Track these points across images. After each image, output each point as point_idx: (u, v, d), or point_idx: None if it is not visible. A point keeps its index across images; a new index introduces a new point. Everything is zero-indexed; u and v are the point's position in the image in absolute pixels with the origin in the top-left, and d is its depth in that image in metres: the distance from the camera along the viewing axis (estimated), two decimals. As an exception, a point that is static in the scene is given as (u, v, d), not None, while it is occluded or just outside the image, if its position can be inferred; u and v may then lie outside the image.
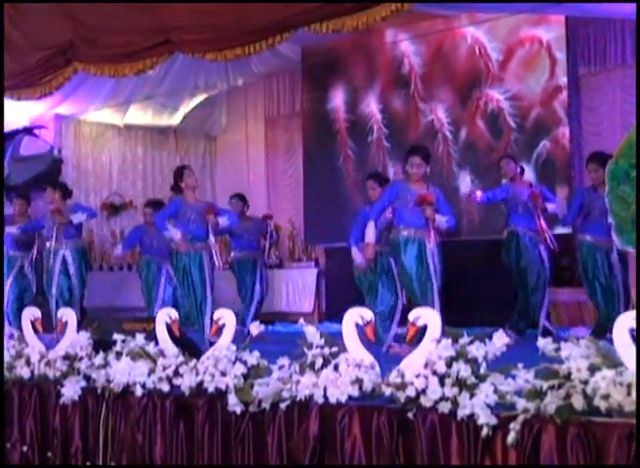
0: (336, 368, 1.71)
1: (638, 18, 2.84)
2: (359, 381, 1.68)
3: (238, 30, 3.33)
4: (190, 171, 3.72)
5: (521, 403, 1.46)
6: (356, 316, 1.78)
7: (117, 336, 2.12)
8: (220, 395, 1.84)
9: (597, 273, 3.29)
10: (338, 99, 5.48)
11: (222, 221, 3.66)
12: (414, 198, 3.06)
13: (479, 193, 3.70)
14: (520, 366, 1.53)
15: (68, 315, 2.32)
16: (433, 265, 3.02)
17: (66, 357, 2.22)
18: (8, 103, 4.32)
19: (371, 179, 3.55)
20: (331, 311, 4.92)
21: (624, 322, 1.42)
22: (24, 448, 2.22)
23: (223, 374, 1.85)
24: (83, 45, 3.77)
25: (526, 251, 3.58)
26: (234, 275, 4.38)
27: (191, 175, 3.67)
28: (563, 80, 4.48)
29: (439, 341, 1.62)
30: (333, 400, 1.67)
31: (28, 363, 2.29)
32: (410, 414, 1.59)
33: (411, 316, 1.70)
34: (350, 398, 1.68)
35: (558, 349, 1.48)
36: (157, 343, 2.08)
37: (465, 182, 4.86)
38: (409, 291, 3.13)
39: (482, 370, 1.58)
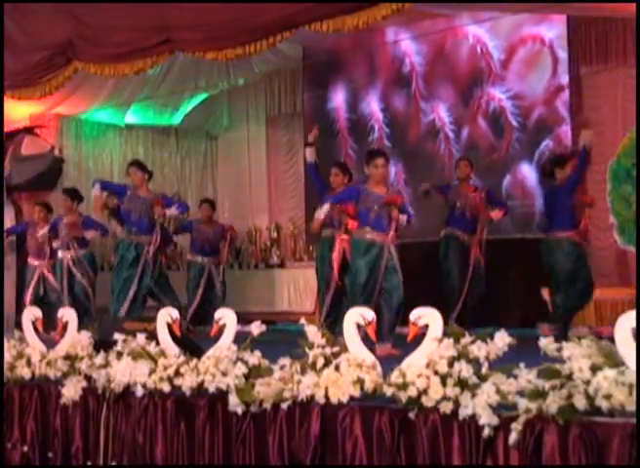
0: (337, 368, 1.70)
1: (638, 17, 2.82)
2: (360, 381, 1.68)
3: (239, 29, 3.31)
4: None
5: (523, 403, 1.46)
6: (357, 316, 1.77)
7: (118, 336, 2.12)
8: (221, 395, 1.84)
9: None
10: (339, 99, 5.45)
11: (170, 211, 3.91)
12: (380, 200, 3.12)
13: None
14: (522, 365, 1.52)
15: (69, 315, 2.32)
16: (386, 268, 3.08)
17: (67, 357, 2.21)
18: (8, 103, 4.31)
19: (336, 167, 3.80)
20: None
21: (626, 321, 1.41)
22: (25, 449, 2.22)
23: (224, 374, 1.84)
24: (83, 44, 3.74)
25: (452, 253, 3.75)
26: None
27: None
28: (565, 79, 4.44)
29: (440, 341, 1.61)
30: (334, 400, 1.67)
31: (29, 363, 2.29)
32: (411, 414, 1.59)
33: (412, 315, 1.69)
34: (352, 398, 1.67)
35: (560, 349, 1.47)
36: (158, 343, 2.07)
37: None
38: (352, 290, 3.19)
39: (484, 370, 1.57)
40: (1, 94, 4.03)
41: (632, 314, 1.42)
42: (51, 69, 3.86)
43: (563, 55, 4.45)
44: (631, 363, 1.39)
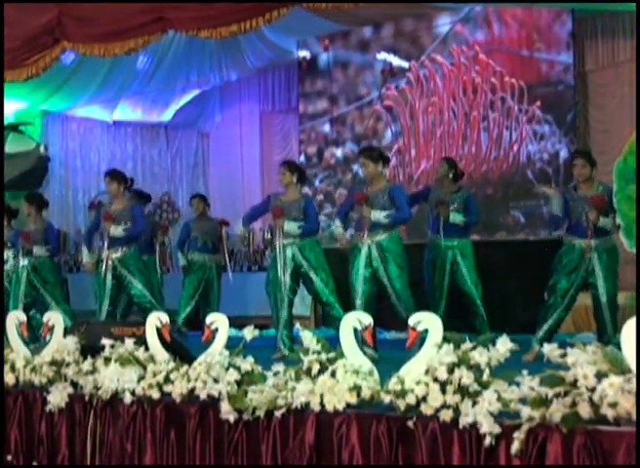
0: (333, 374, 1.66)
1: (638, 17, 2.79)
2: (357, 388, 1.63)
3: (233, 6, 3.13)
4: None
5: (525, 411, 1.42)
6: (354, 320, 1.72)
7: (105, 341, 2.06)
8: (213, 402, 1.79)
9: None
10: (335, 94, 5.38)
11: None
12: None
13: None
14: (525, 372, 1.49)
15: (55, 319, 2.24)
16: (368, 269, 3.00)
17: (53, 362, 2.15)
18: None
19: (283, 166, 3.41)
20: (328, 315, 4.80)
21: (633, 327, 1.37)
22: (9, 458, 2.15)
23: (216, 381, 1.80)
24: (71, 23, 3.55)
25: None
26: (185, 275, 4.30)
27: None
28: (571, 75, 4.33)
29: (440, 347, 1.57)
30: (330, 408, 1.62)
31: (13, 368, 2.22)
32: (410, 423, 1.54)
33: (411, 320, 1.64)
34: (348, 406, 1.63)
35: (564, 355, 1.43)
36: (147, 348, 2.01)
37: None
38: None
39: (485, 377, 1.53)
40: (1, 91, 3.89)
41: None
42: (37, 50, 3.65)
43: (568, 50, 4.31)
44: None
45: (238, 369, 1.81)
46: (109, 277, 3.53)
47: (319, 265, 3.21)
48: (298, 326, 1.79)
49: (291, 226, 3.20)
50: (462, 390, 1.50)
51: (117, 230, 3.51)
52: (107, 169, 4.03)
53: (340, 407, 1.61)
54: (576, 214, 2.95)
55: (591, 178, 2.97)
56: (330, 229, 3.72)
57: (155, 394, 1.88)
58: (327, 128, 5.38)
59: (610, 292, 2.91)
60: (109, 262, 3.51)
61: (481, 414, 1.45)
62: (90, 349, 2.12)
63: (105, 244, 3.50)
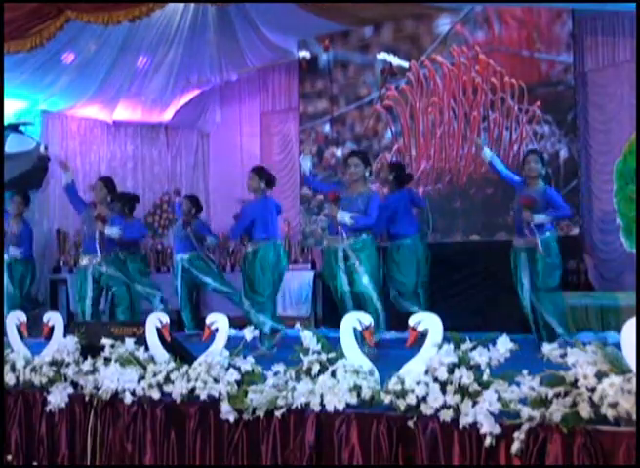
0: (333, 374, 1.66)
1: (638, 17, 2.79)
2: (357, 388, 1.64)
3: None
4: None
5: (526, 411, 1.42)
6: (354, 320, 1.72)
7: (106, 341, 2.06)
8: (213, 402, 1.79)
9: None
10: (335, 94, 5.38)
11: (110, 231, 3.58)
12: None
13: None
14: (525, 372, 1.49)
15: (55, 319, 2.24)
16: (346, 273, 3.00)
17: (53, 363, 2.15)
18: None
19: (252, 171, 3.54)
20: (328, 315, 4.80)
21: (633, 327, 1.37)
22: (9, 458, 2.15)
23: (216, 381, 1.80)
24: None
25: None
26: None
27: None
28: (571, 75, 4.34)
29: (440, 347, 1.57)
30: (330, 408, 1.63)
31: (13, 369, 2.22)
32: (410, 423, 1.55)
33: (411, 320, 1.64)
34: (348, 406, 1.63)
35: (564, 355, 1.43)
36: (147, 348, 2.01)
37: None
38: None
39: (485, 377, 1.53)
40: (1, 91, 3.87)
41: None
42: (41, 19, 3.61)
43: (568, 51, 4.32)
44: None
45: (238, 369, 1.81)
46: (90, 279, 3.66)
47: (267, 265, 3.31)
48: (297, 326, 1.79)
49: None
50: (462, 390, 1.51)
51: (112, 230, 3.59)
52: (101, 175, 4.10)
53: (341, 407, 1.62)
54: (518, 213, 3.04)
55: (540, 176, 3.02)
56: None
57: (155, 394, 1.88)
58: (327, 128, 5.38)
59: (548, 283, 2.92)
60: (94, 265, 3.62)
61: (481, 414, 1.45)
62: (90, 349, 2.12)
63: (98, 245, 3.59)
